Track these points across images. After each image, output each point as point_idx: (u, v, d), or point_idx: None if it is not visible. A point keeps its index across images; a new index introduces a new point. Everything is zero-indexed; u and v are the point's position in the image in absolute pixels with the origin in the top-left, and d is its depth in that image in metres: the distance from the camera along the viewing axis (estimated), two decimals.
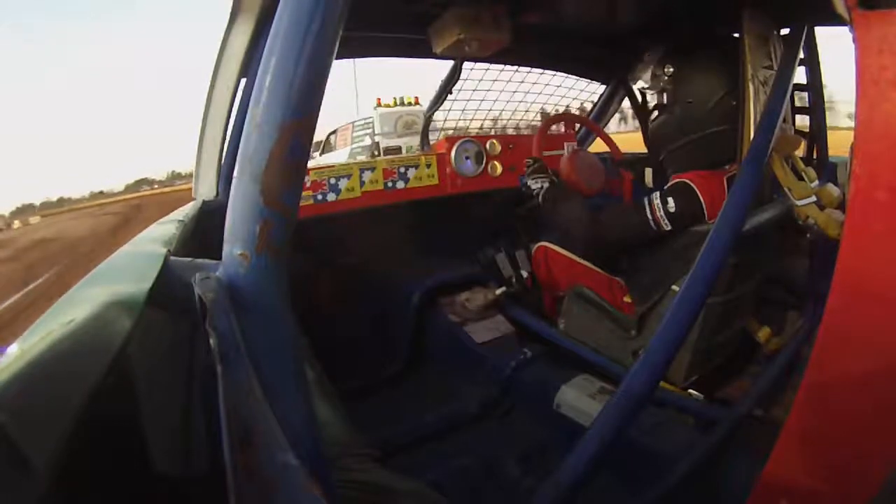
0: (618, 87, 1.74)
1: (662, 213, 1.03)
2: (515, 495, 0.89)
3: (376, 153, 7.50)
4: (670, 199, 1.03)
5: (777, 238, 1.15)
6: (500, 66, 1.61)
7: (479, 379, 1.19)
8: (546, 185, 1.23)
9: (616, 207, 1.12)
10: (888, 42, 0.36)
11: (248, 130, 0.39)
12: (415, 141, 8.16)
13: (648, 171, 1.36)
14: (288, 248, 0.40)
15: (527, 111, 1.87)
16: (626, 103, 1.76)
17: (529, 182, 1.26)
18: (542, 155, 1.36)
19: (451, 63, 1.47)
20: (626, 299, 1.24)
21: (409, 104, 8.31)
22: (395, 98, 8.05)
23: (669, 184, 1.07)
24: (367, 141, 7.18)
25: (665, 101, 1.11)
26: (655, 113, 1.14)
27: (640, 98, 1.63)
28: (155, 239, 0.64)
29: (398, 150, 7.81)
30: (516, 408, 1.12)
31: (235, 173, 0.40)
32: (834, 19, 0.42)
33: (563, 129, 1.76)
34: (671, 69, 1.08)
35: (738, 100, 1.01)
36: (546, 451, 0.98)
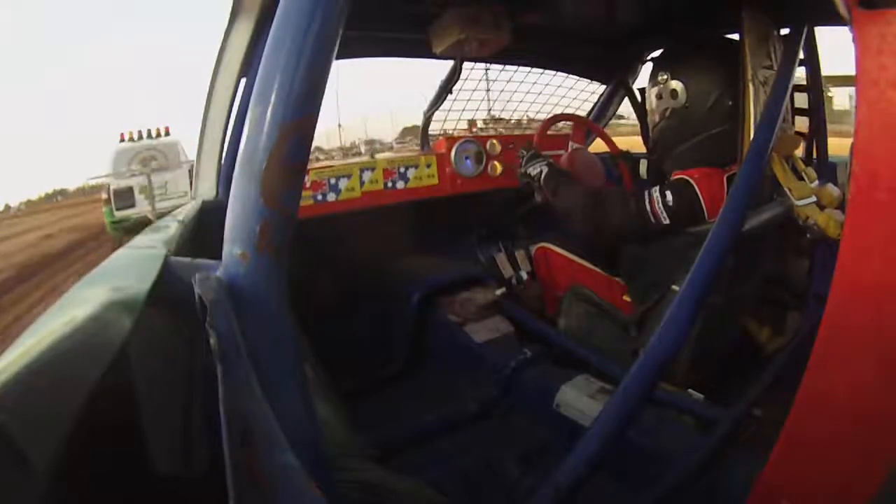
0: (618, 87, 1.74)
1: (661, 205, 1.03)
2: (515, 495, 0.89)
3: (106, 196, 6.37)
4: (669, 194, 1.03)
5: (777, 238, 1.15)
6: (500, 66, 1.61)
7: (479, 379, 1.19)
8: (545, 169, 1.22)
9: (617, 193, 1.12)
10: (888, 42, 0.36)
11: (248, 130, 0.39)
12: (157, 177, 6.54)
13: (643, 163, 1.36)
14: (288, 248, 0.40)
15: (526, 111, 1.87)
16: None
17: (529, 170, 1.25)
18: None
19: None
20: (626, 298, 1.24)
21: (157, 136, 6.88)
22: (139, 131, 6.82)
23: (670, 180, 1.07)
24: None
25: (663, 106, 1.11)
26: (657, 120, 1.14)
27: (639, 98, 1.63)
28: (155, 239, 0.64)
29: (129, 191, 6.42)
30: (516, 408, 1.12)
31: (235, 173, 0.40)
32: (834, 19, 0.42)
33: (570, 131, 1.76)
34: (665, 76, 1.08)
35: (735, 100, 1.02)
36: (546, 451, 0.98)
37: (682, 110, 1.07)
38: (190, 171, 6.88)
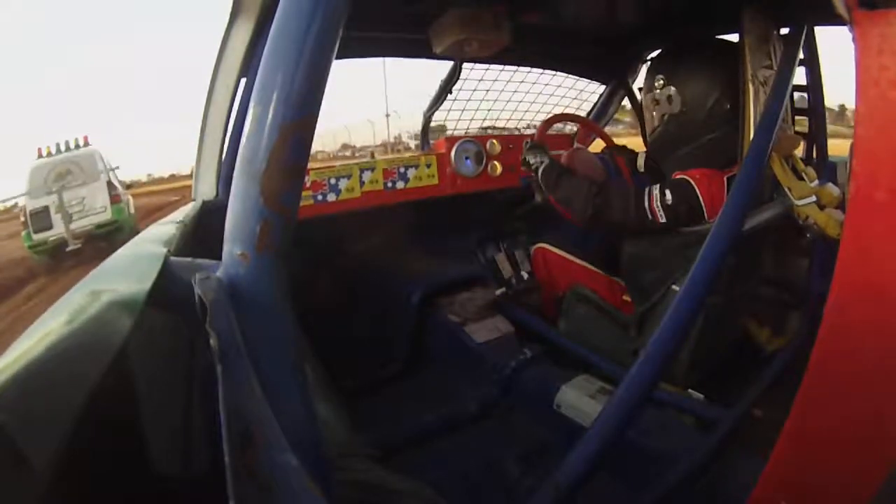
0: (618, 87, 1.74)
1: (659, 203, 1.03)
2: (515, 495, 0.89)
3: (23, 218, 6.06)
4: (668, 192, 1.03)
5: (777, 238, 1.14)
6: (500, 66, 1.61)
7: (479, 379, 1.19)
8: (546, 161, 1.22)
9: (618, 187, 1.11)
10: (888, 42, 0.36)
11: (248, 130, 0.39)
12: (74, 193, 6.23)
13: (641, 156, 1.35)
14: (288, 248, 0.40)
15: (526, 111, 1.87)
16: None
17: (528, 157, 1.24)
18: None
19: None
20: (626, 298, 1.24)
21: (75, 147, 6.52)
22: (57, 144, 6.47)
23: (670, 180, 1.07)
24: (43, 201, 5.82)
25: (660, 112, 1.11)
26: (655, 125, 1.13)
27: (640, 98, 1.63)
28: (155, 239, 0.64)
29: (45, 211, 6.03)
30: (516, 408, 1.12)
31: (235, 173, 0.40)
32: (834, 19, 0.42)
33: (573, 129, 1.76)
34: (661, 81, 1.08)
35: (733, 103, 1.01)
36: (546, 451, 0.98)
37: (680, 115, 1.07)
38: (108, 184, 6.25)
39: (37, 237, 5.90)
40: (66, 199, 5.90)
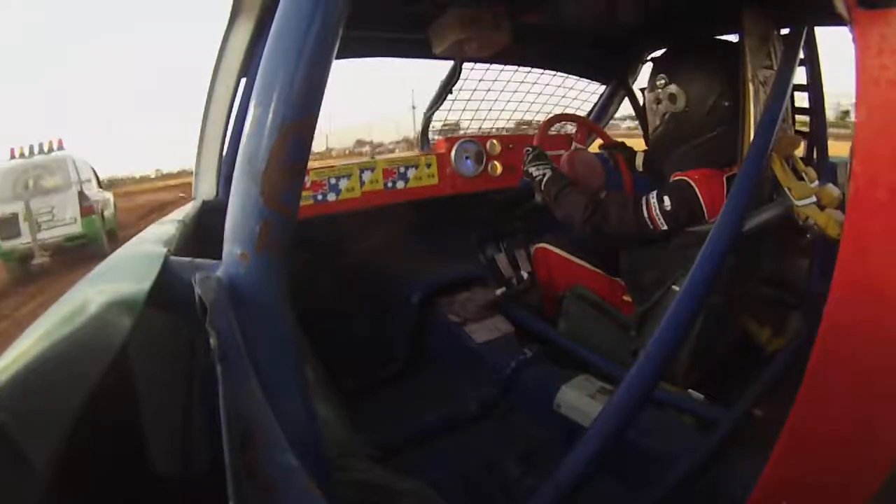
0: (618, 87, 1.74)
1: (658, 211, 1.03)
2: (515, 495, 0.89)
3: None
4: (667, 198, 1.02)
5: (777, 238, 1.15)
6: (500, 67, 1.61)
7: (479, 379, 1.19)
8: (548, 173, 1.22)
9: (615, 202, 1.12)
10: (888, 42, 0.36)
11: (248, 130, 0.39)
12: (44, 201, 5.91)
13: (639, 155, 1.35)
14: (288, 248, 0.40)
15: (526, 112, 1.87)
16: None
17: (531, 169, 1.24)
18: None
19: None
20: (626, 298, 1.24)
21: (49, 151, 6.22)
22: (30, 146, 6.16)
23: (670, 181, 1.07)
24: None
25: (662, 110, 1.11)
26: (656, 123, 1.13)
27: (640, 98, 1.63)
28: (155, 239, 0.64)
29: (13, 219, 5.77)
30: (516, 408, 1.12)
31: (235, 173, 0.40)
32: (834, 19, 0.42)
33: (572, 131, 1.76)
34: (663, 80, 1.08)
35: (733, 101, 1.01)
36: (546, 451, 0.98)
37: (682, 114, 1.07)
38: (80, 193, 5.82)
39: (5, 245, 5.62)
40: (36, 207, 5.61)
